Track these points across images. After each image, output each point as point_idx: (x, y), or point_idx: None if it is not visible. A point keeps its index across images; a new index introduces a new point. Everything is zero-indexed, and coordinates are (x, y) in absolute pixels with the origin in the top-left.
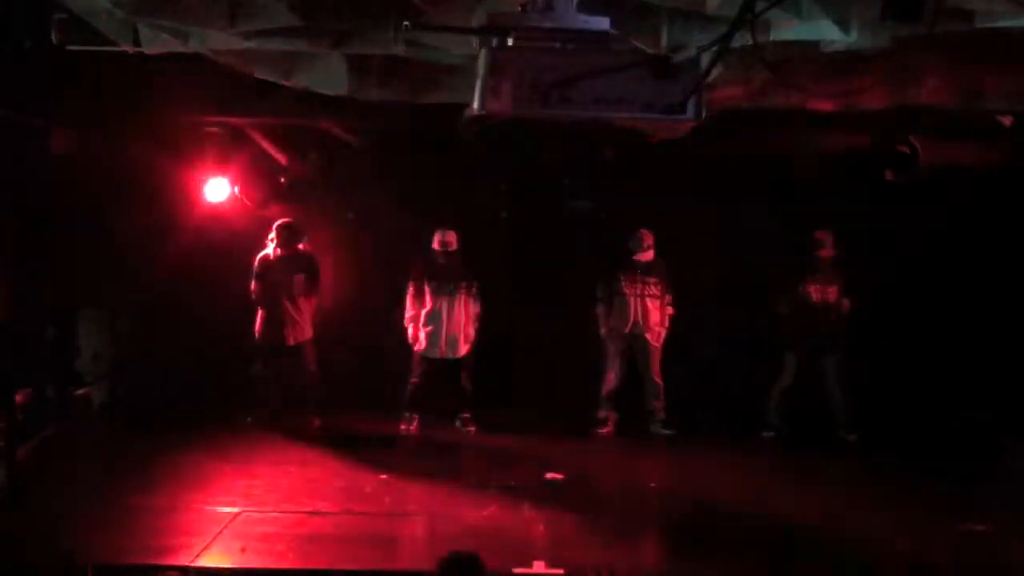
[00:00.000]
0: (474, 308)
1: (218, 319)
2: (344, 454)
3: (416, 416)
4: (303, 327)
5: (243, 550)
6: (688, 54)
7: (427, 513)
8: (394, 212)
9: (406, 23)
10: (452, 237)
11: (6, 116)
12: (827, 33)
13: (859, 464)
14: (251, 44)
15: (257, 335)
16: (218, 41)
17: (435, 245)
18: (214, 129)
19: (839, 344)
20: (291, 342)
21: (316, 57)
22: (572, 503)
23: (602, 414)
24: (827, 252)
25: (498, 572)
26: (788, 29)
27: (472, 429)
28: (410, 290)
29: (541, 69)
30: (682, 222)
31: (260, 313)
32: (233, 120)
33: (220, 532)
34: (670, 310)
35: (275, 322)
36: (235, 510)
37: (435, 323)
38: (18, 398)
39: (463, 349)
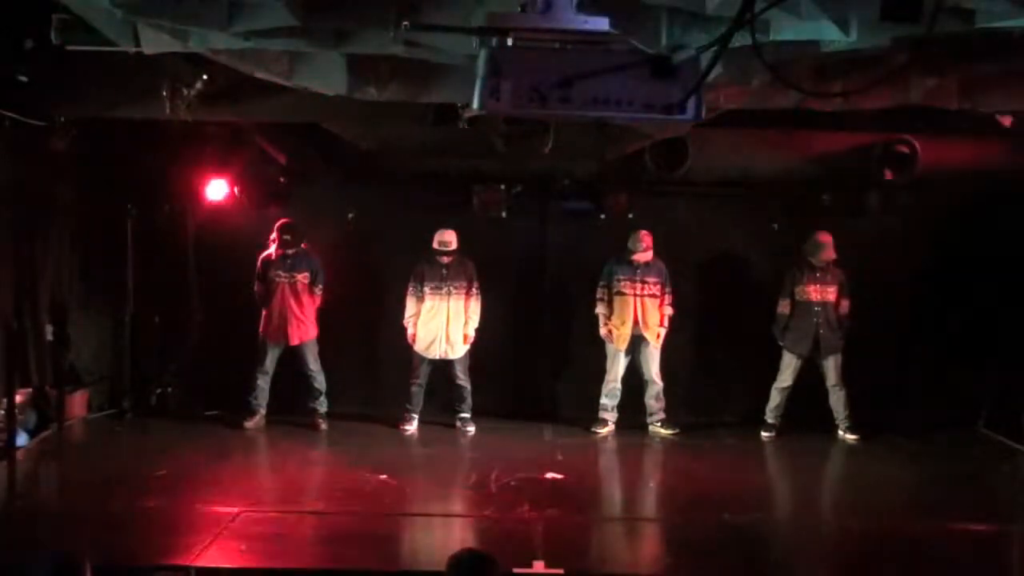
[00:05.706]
0: (473, 308)
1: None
2: (344, 454)
3: (416, 416)
4: (307, 326)
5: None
6: (688, 54)
7: (427, 513)
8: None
9: (406, 23)
10: (451, 237)
11: (6, 116)
12: (827, 33)
13: (859, 464)
14: (251, 44)
15: (261, 334)
16: (218, 41)
17: (435, 245)
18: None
19: (839, 344)
20: (295, 341)
21: (316, 57)
22: (572, 503)
23: (602, 414)
24: (827, 253)
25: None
26: (788, 29)
27: (471, 429)
28: (410, 290)
29: (541, 69)
30: (682, 222)
31: (264, 313)
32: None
33: (220, 532)
34: (669, 310)
35: (279, 321)
36: (235, 510)
37: (435, 323)
38: (18, 398)
39: (462, 349)
